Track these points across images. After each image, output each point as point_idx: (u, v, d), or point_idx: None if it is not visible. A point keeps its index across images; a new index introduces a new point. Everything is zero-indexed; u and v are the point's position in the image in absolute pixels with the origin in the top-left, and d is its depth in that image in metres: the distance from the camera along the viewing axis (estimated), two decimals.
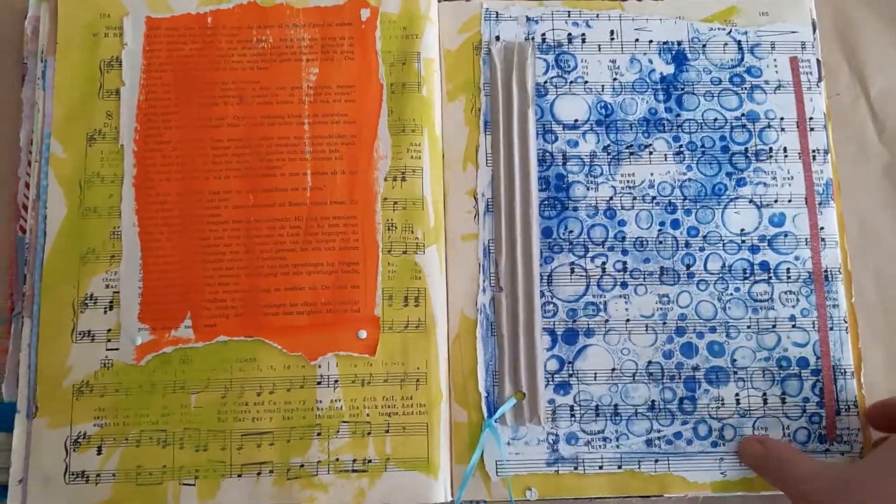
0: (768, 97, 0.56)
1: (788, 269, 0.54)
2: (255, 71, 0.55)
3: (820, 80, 0.57)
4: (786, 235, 0.54)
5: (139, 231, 0.52)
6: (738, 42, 0.57)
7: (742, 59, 0.57)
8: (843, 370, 0.52)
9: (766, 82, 0.57)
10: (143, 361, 0.51)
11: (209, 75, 0.55)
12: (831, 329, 0.53)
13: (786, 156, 0.55)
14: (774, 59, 0.57)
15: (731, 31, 0.57)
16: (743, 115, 0.56)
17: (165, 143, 0.54)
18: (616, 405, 0.52)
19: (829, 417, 0.52)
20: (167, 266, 0.52)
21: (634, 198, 0.55)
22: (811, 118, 0.56)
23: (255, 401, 0.51)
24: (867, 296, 0.55)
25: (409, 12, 0.56)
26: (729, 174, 0.55)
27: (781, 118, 0.56)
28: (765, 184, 0.55)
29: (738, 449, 0.51)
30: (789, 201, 0.55)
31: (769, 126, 0.56)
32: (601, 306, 0.53)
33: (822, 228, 0.54)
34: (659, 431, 0.52)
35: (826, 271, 0.54)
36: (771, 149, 0.56)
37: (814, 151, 0.55)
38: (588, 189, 0.55)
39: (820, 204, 0.55)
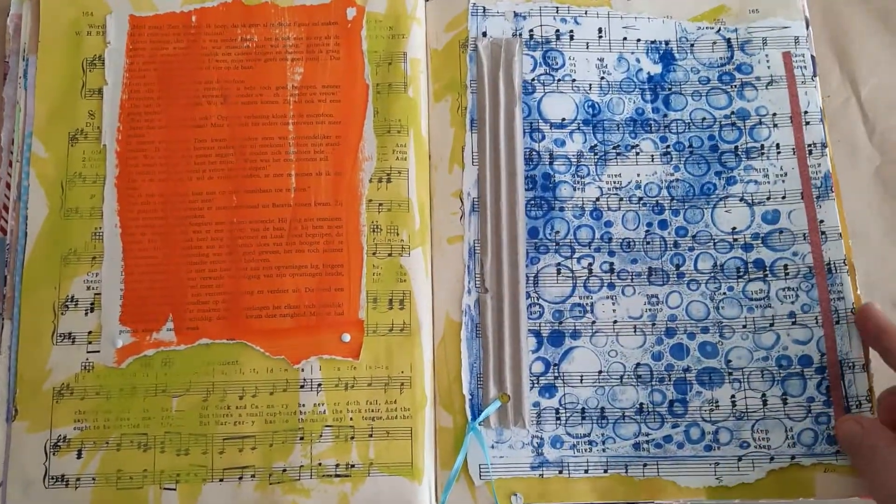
0: (759, 93, 0.56)
1: (786, 266, 0.53)
2: (240, 70, 0.54)
3: (815, 74, 0.56)
4: (781, 232, 0.53)
5: (121, 232, 0.52)
6: (728, 39, 0.56)
7: (732, 56, 0.56)
8: (850, 364, 0.51)
9: (758, 78, 0.56)
10: (124, 364, 0.50)
11: (193, 74, 0.54)
12: (837, 323, 0.52)
13: (779, 152, 0.55)
14: (766, 55, 0.56)
15: (720, 30, 0.56)
16: (733, 113, 0.55)
17: (148, 143, 0.53)
18: (603, 408, 0.51)
19: (839, 417, 0.50)
20: (149, 268, 0.52)
21: (621, 199, 0.54)
22: (806, 112, 0.55)
23: (238, 404, 0.50)
24: None
25: (395, 12, 0.56)
26: (718, 173, 0.54)
27: (774, 114, 0.55)
28: (756, 182, 0.54)
29: (836, 426, 0.50)
30: (783, 198, 0.54)
31: (760, 123, 0.55)
32: (588, 307, 0.52)
33: (821, 222, 0.53)
34: (647, 435, 0.51)
35: (829, 264, 0.52)
36: (762, 146, 0.55)
37: (810, 146, 0.54)
38: (575, 189, 0.54)
39: (818, 197, 0.54)
